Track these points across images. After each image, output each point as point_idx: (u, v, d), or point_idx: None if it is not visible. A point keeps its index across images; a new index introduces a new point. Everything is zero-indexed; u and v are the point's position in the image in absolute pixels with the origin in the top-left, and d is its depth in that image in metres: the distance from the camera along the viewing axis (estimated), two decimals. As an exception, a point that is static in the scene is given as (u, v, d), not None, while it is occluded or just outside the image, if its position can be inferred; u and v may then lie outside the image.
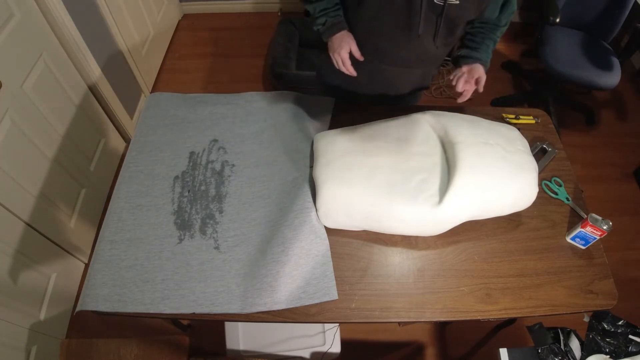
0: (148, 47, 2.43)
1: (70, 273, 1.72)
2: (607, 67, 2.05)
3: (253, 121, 1.33)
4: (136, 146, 1.27)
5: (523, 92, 2.62)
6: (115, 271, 1.03)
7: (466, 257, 1.08)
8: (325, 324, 1.38)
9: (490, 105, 2.50)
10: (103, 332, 1.69)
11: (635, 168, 2.25)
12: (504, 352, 1.04)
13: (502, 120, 1.37)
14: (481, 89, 1.08)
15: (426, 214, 1.02)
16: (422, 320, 0.99)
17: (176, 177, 1.20)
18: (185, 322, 1.68)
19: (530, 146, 1.21)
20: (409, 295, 1.01)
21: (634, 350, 0.99)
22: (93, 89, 1.86)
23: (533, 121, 1.38)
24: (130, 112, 2.21)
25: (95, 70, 1.83)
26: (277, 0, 3.05)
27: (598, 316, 1.04)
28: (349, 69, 1.12)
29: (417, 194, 1.03)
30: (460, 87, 1.06)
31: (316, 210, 1.08)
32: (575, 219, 1.15)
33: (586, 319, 1.05)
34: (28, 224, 1.45)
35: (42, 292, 1.54)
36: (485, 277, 1.04)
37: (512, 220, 1.14)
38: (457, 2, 0.99)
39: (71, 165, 1.71)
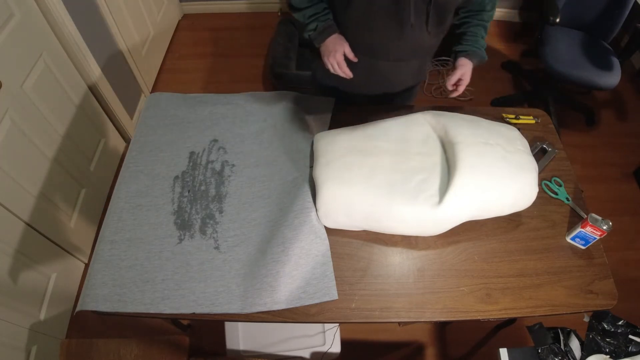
0: (148, 47, 2.43)
1: (70, 273, 1.72)
2: (607, 67, 2.05)
3: (253, 121, 1.33)
4: (136, 146, 1.27)
5: (523, 92, 2.61)
6: (115, 271, 1.03)
7: (466, 257, 1.08)
8: (325, 324, 1.38)
9: (490, 105, 2.50)
10: (103, 332, 1.69)
11: (635, 168, 2.25)
12: (504, 352, 1.04)
13: (502, 120, 1.37)
14: (461, 90, 1.19)
15: (426, 214, 1.02)
16: (422, 320, 0.99)
17: (176, 177, 1.20)
18: (185, 322, 1.68)
19: (530, 146, 1.21)
20: (409, 295, 1.01)
21: (634, 350, 0.99)
22: (93, 89, 1.86)
23: (533, 121, 1.38)
24: (130, 112, 2.21)
25: (95, 70, 1.83)
26: (277, 0, 3.05)
27: (598, 316, 1.04)
28: (345, 72, 1.13)
29: (417, 194, 1.03)
30: (449, 87, 1.21)
31: (316, 210, 1.08)
32: (575, 219, 1.15)
33: (586, 319, 1.05)
34: (28, 224, 1.45)
35: (42, 292, 1.54)
36: (485, 277, 1.04)
37: (512, 220, 1.14)
38: None
39: (71, 165, 1.71)
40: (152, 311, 0.97)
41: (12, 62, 1.37)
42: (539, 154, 1.29)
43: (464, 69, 1.17)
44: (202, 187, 1.18)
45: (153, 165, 1.22)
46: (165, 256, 1.05)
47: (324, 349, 1.35)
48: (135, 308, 0.97)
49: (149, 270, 1.03)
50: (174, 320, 1.50)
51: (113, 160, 2.11)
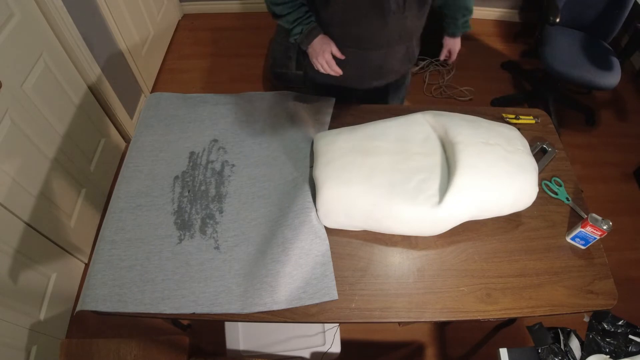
0: (148, 47, 2.43)
1: (70, 273, 1.72)
2: (607, 67, 2.05)
3: (253, 121, 1.33)
4: (136, 146, 1.27)
5: (523, 92, 2.61)
6: (115, 271, 1.03)
7: (466, 257, 1.08)
8: (325, 324, 1.38)
9: (490, 105, 2.50)
10: (103, 332, 1.69)
11: (635, 168, 2.25)
12: (504, 352, 1.04)
13: (502, 120, 1.37)
14: (454, 57, 1.37)
15: (426, 214, 1.02)
16: (422, 320, 0.99)
17: (176, 177, 1.20)
18: (185, 322, 1.68)
19: (530, 146, 1.21)
20: (409, 295, 1.01)
21: (634, 350, 0.99)
22: (93, 89, 1.86)
23: (533, 121, 1.38)
24: (130, 112, 2.21)
25: (95, 70, 1.83)
26: (277, 0, 3.04)
27: (598, 316, 1.04)
28: (334, 70, 1.16)
29: (417, 194, 1.03)
30: (442, 57, 1.38)
31: (316, 210, 1.08)
32: (575, 219, 1.15)
33: (586, 319, 1.05)
34: (28, 224, 1.45)
35: (42, 292, 1.53)
36: (485, 277, 1.04)
37: (512, 220, 1.14)
38: None
39: (71, 165, 1.71)
40: (152, 311, 0.97)
41: (12, 62, 1.37)
42: (539, 154, 1.29)
43: (451, 45, 1.34)
44: (202, 187, 1.18)
45: (153, 165, 1.22)
46: (165, 256, 1.05)
47: (324, 349, 1.35)
48: (135, 308, 0.97)
49: (149, 270, 1.03)
50: (174, 320, 1.50)
51: (113, 160, 2.11)
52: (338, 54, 1.16)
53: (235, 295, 0.99)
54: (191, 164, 1.23)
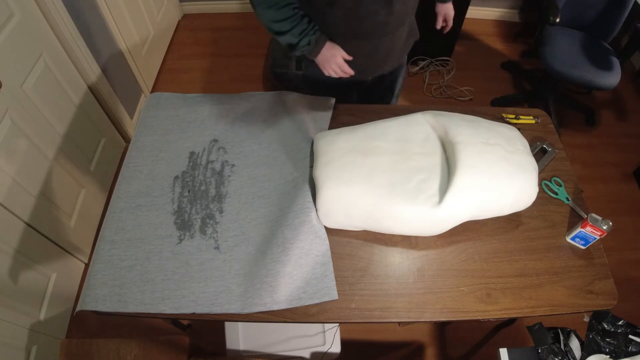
0: (148, 47, 2.43)
1: (70, 273, 1.72)
2: (607, 67, 2.05)
3: (253, 121, 1.33)
4: (136, 146, 1.27)
5: (523, 92, 2.61)
6: (115, 271, 1.03)
7: (466, 257, 1.08)
8: (325, 324, 1.38)
9: (490, 105, 2.50)
10: (103, 332, 1.69)
11: (635, 168, 2.25)
12: (504, 352, 1.04)
13: (502, 120, 1.37)
14: (450, 23, 1.35)
15: (426, 214, 1.02)
16: (422, 320, 0.99)
17: (176, 177, 1.20)
18: (185, 322, 1.68)
19: (530, 146, 1.21)
20: (409, 295, 1.01)
21: (634, 350, 0.99)
22: (93, 89, 1.86)
23: (533, 121, 1.38)
24: (130, 112, 2.21)
25: (95, 70, 1.83)
26: (277, 0, 3.04)
27: (598, 316, 1.04)
28: (348, 72, 1.16)
29: (417, 194, 1.03)
30: (439, 26, 1.35)
31: (316, 210, 1.08)
32: (575, 219, 1.15)
33: (586, 319, 1.05)
34: (28, 224, 1.45)
35: (42, 292, 1.53)
36: (485, 277, 1.04)
37: (512, 220, 1.14)
38: None
39: (71, 165, 1.71)
40: (152, 311, 0.97)
41: (12, 62, 1.37)
42: (539, 154, 1.29)
43: (444, 10, 1.32)
44: (202, 187, 1.18)
45: (153, 165, 1.22)
46: (165, 256, 1.05)
47: (324, 349, 1.35)
48: (135, 308, 0.97)
49: (149, 270, 1.03)
50: (174, 320, 1.50)
51: (113, 160, 2.11)
52: (347, 57, 1.15)
53: (235, 295, 0.99)
54: (191, 164, 1.23)
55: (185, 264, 1.04)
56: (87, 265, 1.82)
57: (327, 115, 1.35)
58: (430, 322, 1.56)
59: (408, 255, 1.08)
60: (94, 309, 0.98)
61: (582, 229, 1.06)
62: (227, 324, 1.37)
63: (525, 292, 1.02)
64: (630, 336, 1.01)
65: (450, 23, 1.34)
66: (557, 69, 2.06)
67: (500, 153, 1.08)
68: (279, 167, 1.21)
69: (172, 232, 1.10)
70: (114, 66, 2.02)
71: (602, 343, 1.01)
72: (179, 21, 3.00)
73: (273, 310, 0.97)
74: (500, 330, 1.69)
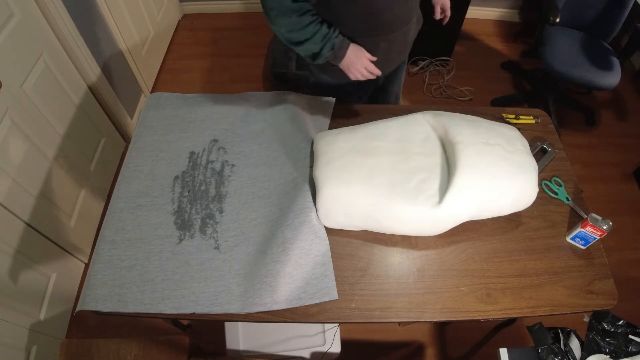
0: (148, 47, 2.43)
1: (70, 273, 1.72)
2: (607, 67, 2.05)
3: (253, 121, 1.33)
4: (136, 146, 1.27)
5: (523, 92, 2.61)
6: (115, 271, 1.03)
7: (466, 257, 1.08)
8: (325, 324, 1.38)
9: (490, 105, 2.50)
10: (103, 332, 1.69)
11: (635, 168, 2.25)
12: (504, 352, 1.04)
13: (502, 120, 1.37)
14: (448, 13, 1.31)
15: (426, 214, 1.02)
16: (422, 320, 0.99)
17: (176, 177, 1.20)
18: (185, 322, 1.68)
19: (530, 146, 1.21)
20: (409, 295, 1.01)
21: (634, 350, 0.99)
22: (93, 89, 1.86)
23: (533, 121, 1.38)
24: (130, 112, 2.21)
25: (95, 70, 1.83)
26: (277, 0, 3.04)
27: (598, 316, 1.04)
28: (375, 72, 1.14)
29: (417, 194, 1.03)
30: (437, 16, 1.32)
31: (316, 210, 1.08)
32: (575, 219, 1.15)
33: (586, 319, 1.05)
34: (28, 224, 1.45)
35: (42, 292, 1.53)
36: (485, 277, 1.04)
37: (512, 220, 1.14)
38: None
39: (71, 165, 1.71)
40: (152, 311, 0.97)
41: (12, 62, 1.37)
42: (539, 154, 1.29)
43: (440, 1, 1.29)
44: (202, 187, 1.18)
45: (153, 165, 1.22)
46: (165, 256, 1.05)
47: (324, 349, 1.35)
48: (135, 308, 0.97)
49: (149, 270, 1.03)
50: (174, 320, 1.50)
51: (113, 160, 2.11)
52: (372, 57, 1.13)
53: (235, 295, 0.99)
54: (191, 164, 1.23)
55: (185, 264, 1.04)
56: (87, 265, 1.82)
57: (327, 115, 1.35)
58: (430, 322, 1.56)
59: (408, 255, 1.08)
60: (94, 309, 0.98)
61: (582, 229, 1.06)
62: (227, 324, 1.37)
63: (525, 292, 1.02)
64: (630, 336, 1.01)
65: (449, 12, 1.30)
66: (557, 69, 2.06)
67: (500, 153, 1.08)
68: (279, 167, 1.21)
69: (172, 232, 1.10)
70: (114, 66, 2.02)
71: (602, 343, 1.01)
72: (179, 21, 3.00)
73: (273, 310, 0.97)
74: (500, 330, 1.69)
